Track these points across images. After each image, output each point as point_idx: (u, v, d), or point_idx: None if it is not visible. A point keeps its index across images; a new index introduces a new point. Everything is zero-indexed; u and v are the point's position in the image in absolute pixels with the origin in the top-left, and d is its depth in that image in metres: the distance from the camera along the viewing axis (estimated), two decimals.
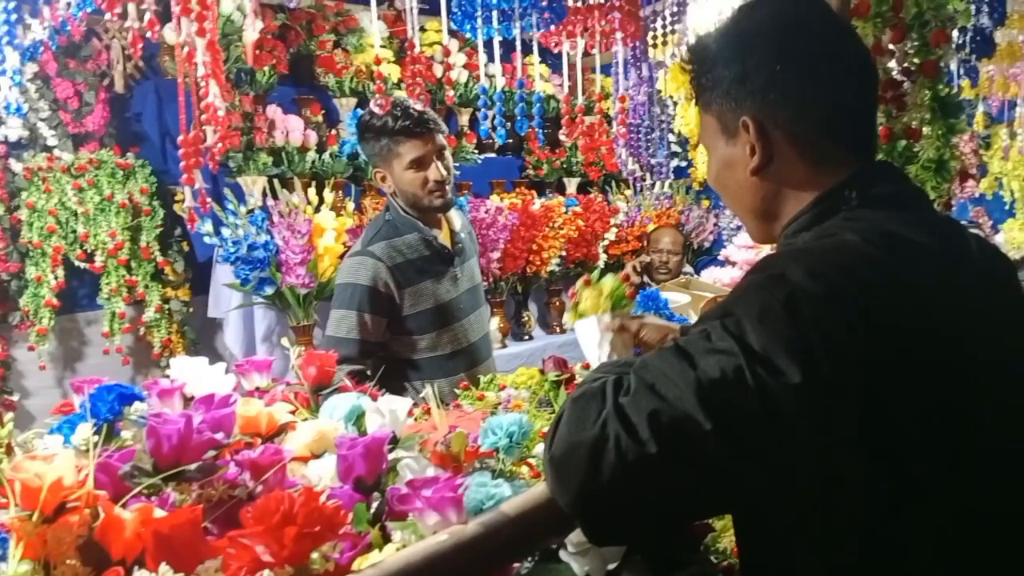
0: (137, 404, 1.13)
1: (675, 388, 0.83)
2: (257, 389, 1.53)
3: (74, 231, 3.17)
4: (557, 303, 4.43)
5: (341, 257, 3.20)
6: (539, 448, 1.15)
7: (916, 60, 1.56)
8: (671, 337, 1.50)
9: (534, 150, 4.52)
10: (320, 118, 3.73)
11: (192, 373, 1.38)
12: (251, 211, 3.11)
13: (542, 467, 0.91)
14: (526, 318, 4.27)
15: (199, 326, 3.63)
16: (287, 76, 3.65)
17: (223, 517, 0.93)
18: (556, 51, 1.76)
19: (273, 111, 3.44)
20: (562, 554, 0.97)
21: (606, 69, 2.50)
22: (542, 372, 2.15)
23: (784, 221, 1.04)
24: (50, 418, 1.28)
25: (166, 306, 3.44)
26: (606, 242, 4.42)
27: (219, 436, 1.01)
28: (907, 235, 0.93)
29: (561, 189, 4.69)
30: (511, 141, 4.44)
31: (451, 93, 3.91)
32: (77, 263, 3.20)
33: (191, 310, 3.56)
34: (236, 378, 1.44)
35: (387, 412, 1.15)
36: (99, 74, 3.37)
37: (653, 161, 2.25)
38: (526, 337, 4.24)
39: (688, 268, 4.38)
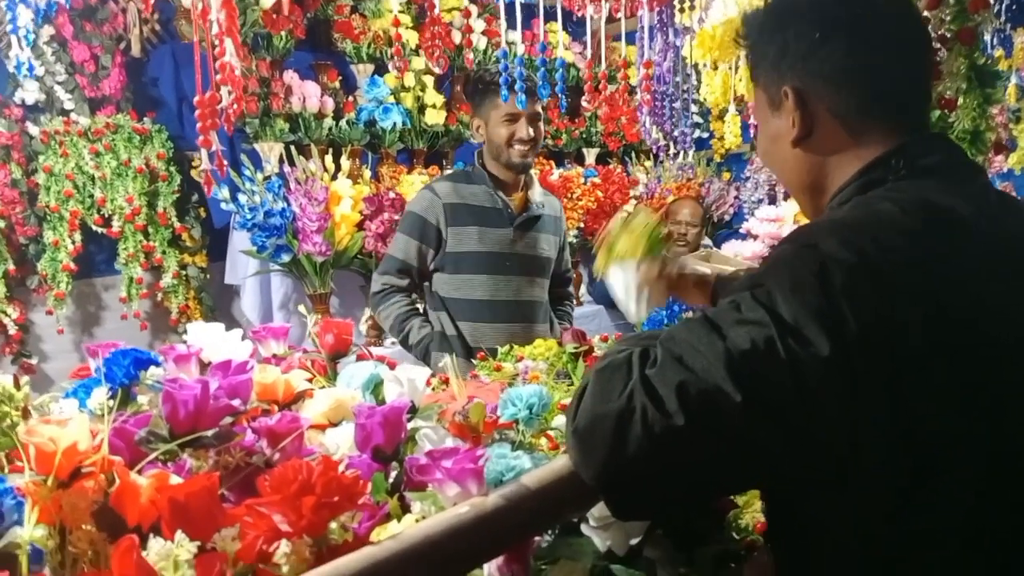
0: (153, 369, 1.11)
1: (703, 359, 0.81)
2: (274, 356, 1.52)
3: (91, 196, 3.16)
4: (575, 275, 4.40)
5: (358, 225, 3.19)
6: (559, 420, 1.13)
7: (952, 27, 1.50)
8: (709, 289, 1.45)
9: (553, 119, 4.46)
10: (337, 84, 3.69)
11: (209, 339, 1.37)
12: (268, 178, 3.09)
13: (564, 439, 0.89)
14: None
15: (216, 293, 3.64)
16: (304, 41, 3.60)
17: (240, 485, 0.91)
18: (579, 15, 1.71)
19: (290, 77, 3.40)
20: (583, 528, 0.95)
21: (630, 37, 2.44)
22: (560, 344, 2.13)
23: (831, 194, 1.01)
24: (66, 382, 1.27)
25: (183, 272, 3.44)
26: (625, 214, 4.37)
27: (236, 403, 0.99)
28: (948, 206, 0.90)
29: (580, 160, 4.63)
30: None
31: (471, 56, 3.85)
32: (94, 228, 3.19)
33: (208, 276, 3.56)
34: (253, 345, 1.42)
35: (405, 381, 1.13)
36: (115, 37, 3.34)
37: (676, 131, 2.21)
38: None
39: (707, 241, 4.32)
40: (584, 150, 4.63)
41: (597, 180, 4.18)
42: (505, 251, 2.43)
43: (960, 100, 1.50)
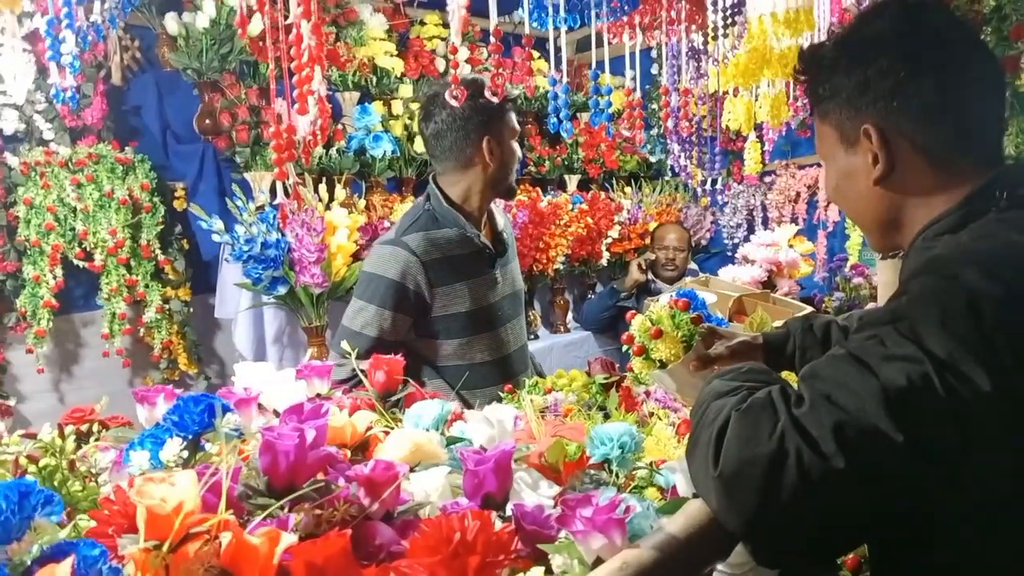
0: (229, 416, 1.04)
1: (855, 398, 0.78)
2: (318, 396, 1.45)
3: (72, 229, 3.03)
4: (561, 302, 4.38)
5: (353, 256, 3.12)
6: (672, 463, 1.08)
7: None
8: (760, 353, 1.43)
9: (535, 146, 4.45)
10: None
11: (259, 380, 1.30)
12: (260, 208, 3.00)
13: (702, 486, 0.85)
14: (531, 317, 4.21)
15: (199, 327, 3.51)
16: (290, 72, 3.53)
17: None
18: (614, 42, 1.70)
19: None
20: (716, 575, 0.91)
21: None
22: (588, 374, 2.09)
23: (911, 229, 1.01)
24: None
25: (166, 306, 3.31)
26: (609, 240, 4.37)
27: (334, 451, 0.93)
28: None
29: (562, 186, 4.63)
30: None
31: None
32: (76, 262, 3.06)
33: (191, 310, 3.44)
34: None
35: (495, 422, 1.08)
36: (95, 65, 3.23)
37: (705, 158, 2.20)
38: (532, 336, 4.18)
39: (693, 265, 4.35)
40: (566, 177, 4.63)
41: (584, 207, 4.17)
42: (496, 300, 2.15)
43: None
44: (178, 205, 3.38)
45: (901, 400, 0.76)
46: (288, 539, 0.80)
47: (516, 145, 2.13)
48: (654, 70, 4.61)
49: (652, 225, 4.53)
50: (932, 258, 0.90)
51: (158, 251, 3.24)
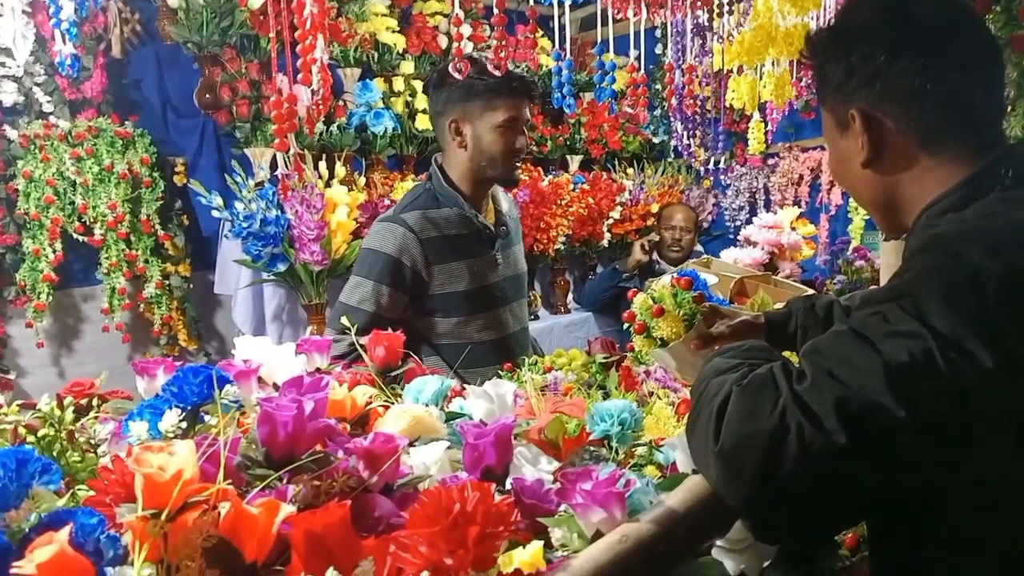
0: (228, 388, 1.04)
1: (857, 373, 0.78)
2: (318, 370, 1.45)
3: (72, 202, 3.01)
4: (562, 282, 4.37)
5: (353, 234, 3.11)
6: (672, 440, 1.08)
7: (1002, 35, 1.51)
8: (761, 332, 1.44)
9: (537, 126, 4.43)
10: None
11: (259, 354, 1.29)
12: (260, 184, 2.99)
13: (702, 461, 0.85)
14: (532, 298, 4.20)
15: (199, 303, 3.51)
16: (291, 44, 3.50)
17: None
18: (619, 18, 1.68)
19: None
20: (715, 551, 0.91)
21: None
22: (588, 353, 2.09)
23: (911, 210, 1.02)
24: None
25: (166, 282, 3.31)
26: (611, 221, 4.36)
27: (333, 423, 0.93)
28: None
29: (564, 166, 4.61)
30: None
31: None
32: (75, 236, 3.05)
33: (191, 286, 3.43)
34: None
35: (495, 396, 1.07)
36: (95, 37, 3.20)
37: (708, 137, 2.18)
38: (532, 317, 4.17)
39: (699, 247, 4.34)
40: (568, 157, 4.61)
41: (586, 187, 4.16)
42: (496, 281, 2.14)
43: (1011, 108, 1.51)
44: (178, 180, 3.37)
45: (903, 376, 0.76)
46: (287, 510, 0.80)
47: (508, 136, 2.01)
48: (658, 50, 4.57)
49: (654, 207, 4.51)
50: (935, 236, 0.89)
51: (158, 226, 3.23)
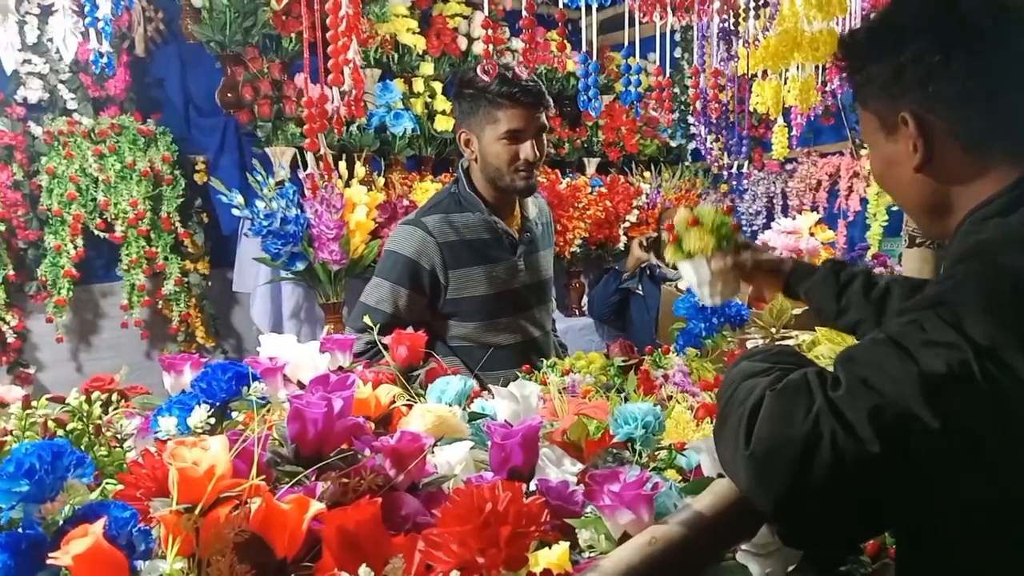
0: (256, 384, 1.05)
1: (893, 383, 0.77)
2: (340, 369, 1.45)
3: (94, 199, 3.04)
4: (577, 285, 4.37)
5: (372, 234, 3.12)
6: (696, 443, 1.07)
7: None
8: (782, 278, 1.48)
9: (555, 128, 4.43)
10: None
11: (284, 351, 1.30)
12: (280, 183, 3.01)
13: (731, 465, 0.84)
14: None
15: (217, 300, 3.53)
16: (312, 45, 3.52)
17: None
18: (644, 20, 1.68)
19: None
20: (740, 555, 0.91)
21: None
22: (606, 356, 2.09)
23: (958, 214, 0.99)
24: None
25: (185, 279, 3.33)
26: (627, 224, 4.35)
27: (361, 421, 0.93)
28: None
29: (581, 169, 4.61)
30: None
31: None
32: (96, 232, 3.08)
33: (210, 284, 3.46)
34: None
35: (520, 398, 1.08)
36: (119, 36, 3.23)
37: (731, 141, 2.18)
38: None
39: None
40: (585, 160, 4.61)
41: (603, 189, 4.15)
42: (515, 287, 2.11)
43: None
44: (199, 178, 3.40)
45: (939, 387, 0.75)
46: (316, 506, 0.80)
47: (511, 147, 1.96)
48: (677, 53, 4.56)
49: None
50: (978, 242, 0.88)
51: (178, 224, 3.26)
